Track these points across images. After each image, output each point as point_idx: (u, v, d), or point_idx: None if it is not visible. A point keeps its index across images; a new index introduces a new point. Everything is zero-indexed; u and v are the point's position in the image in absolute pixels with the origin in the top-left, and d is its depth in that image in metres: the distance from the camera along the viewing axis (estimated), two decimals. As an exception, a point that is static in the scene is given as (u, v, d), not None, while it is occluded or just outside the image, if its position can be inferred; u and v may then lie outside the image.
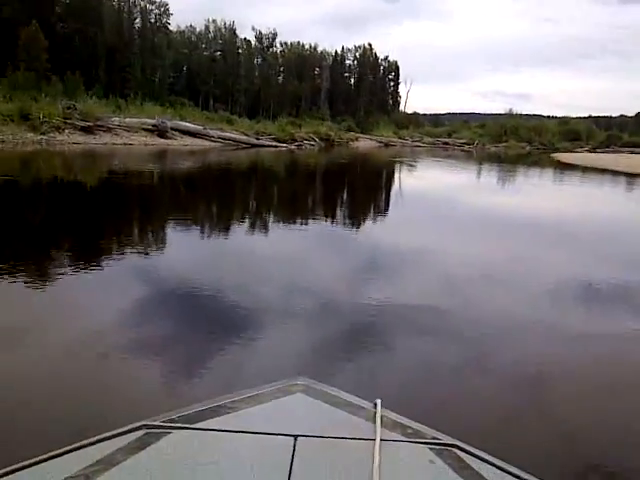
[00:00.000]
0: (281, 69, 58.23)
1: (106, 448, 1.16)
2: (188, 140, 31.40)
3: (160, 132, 29.97)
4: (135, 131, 28.97)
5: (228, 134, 35.03)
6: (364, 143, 48.13)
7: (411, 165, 29.21)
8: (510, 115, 66.06)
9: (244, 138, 35.40)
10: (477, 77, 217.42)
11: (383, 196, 16.14)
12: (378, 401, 1.40)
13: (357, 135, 48.84)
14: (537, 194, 17.56)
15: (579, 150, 57.19)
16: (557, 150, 59.60)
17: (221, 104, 48.26)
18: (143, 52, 42.21)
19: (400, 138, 53.36)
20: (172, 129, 31.02)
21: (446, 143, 53.49)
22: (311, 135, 40.79)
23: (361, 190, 17.78)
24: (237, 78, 52.00)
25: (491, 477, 1.13)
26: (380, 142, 50.09)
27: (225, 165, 22.63)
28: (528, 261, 7.28)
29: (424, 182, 20.82)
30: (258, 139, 35.90)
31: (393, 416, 1.36)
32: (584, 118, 75.46)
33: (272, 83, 54.47)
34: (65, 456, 1.15)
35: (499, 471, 1.17)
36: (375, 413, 1.34)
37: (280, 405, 1.37)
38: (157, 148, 27.35)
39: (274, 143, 36.29)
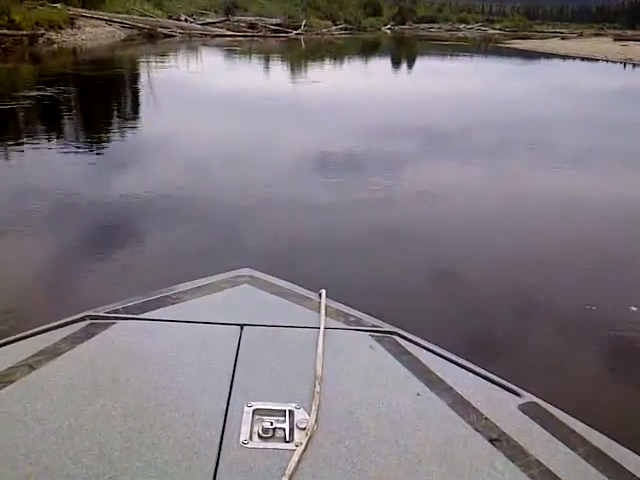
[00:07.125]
0: None
1: (50, 338, 1.12)
2: None
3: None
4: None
5: None
6: (93, 33, 23.68)
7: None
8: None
9: None
10: None
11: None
12: (323, 291, 1.40)
13: (74, 12, 22.66)
14: None
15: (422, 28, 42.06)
16: (365, 30, 44.05)
17: None
18: None
19: (174, 18, 28.04)
20: None
21: (253, 26, 31.62)
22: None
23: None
24: None
25: (428, 362, 1.16)
26: (134, 27, 26.19)
27: None
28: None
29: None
30: None
31: (337, 305, 1.38)
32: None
33: None
34: (7, 346, 1.10)
35: (437, 357, 1.19)
36: (320, 303, 1.35)
37: (226, 296, 1.37)
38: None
39: None
